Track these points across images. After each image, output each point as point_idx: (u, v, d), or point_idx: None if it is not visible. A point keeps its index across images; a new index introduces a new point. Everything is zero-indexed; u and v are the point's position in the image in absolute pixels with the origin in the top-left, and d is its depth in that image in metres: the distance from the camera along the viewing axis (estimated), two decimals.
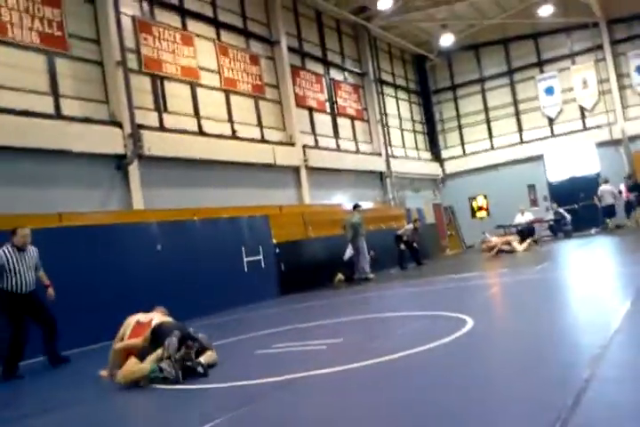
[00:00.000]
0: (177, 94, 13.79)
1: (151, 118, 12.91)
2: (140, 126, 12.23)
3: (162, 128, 13.07)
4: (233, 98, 15.42)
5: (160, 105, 13.27)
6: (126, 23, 12.61)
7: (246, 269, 11.61)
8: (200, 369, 5.01)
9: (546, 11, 20.78)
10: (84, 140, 11.09)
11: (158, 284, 9.22)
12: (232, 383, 4.66)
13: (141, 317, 5.64)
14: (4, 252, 6.70)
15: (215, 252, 10.92)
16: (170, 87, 13.63)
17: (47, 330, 6.87)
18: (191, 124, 13.92)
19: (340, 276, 14.03)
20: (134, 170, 11.96)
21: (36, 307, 6.82)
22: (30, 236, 6.85)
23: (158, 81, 13.37)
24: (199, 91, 14.39)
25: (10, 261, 6.67)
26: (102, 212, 10.90)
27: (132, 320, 5.61)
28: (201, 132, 14.06)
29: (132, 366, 5.06)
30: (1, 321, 6.63)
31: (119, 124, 11.93)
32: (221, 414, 3.78)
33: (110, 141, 11.68)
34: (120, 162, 11.84)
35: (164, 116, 13.28)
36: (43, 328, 6.88)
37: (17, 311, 6.67)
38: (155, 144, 12.35)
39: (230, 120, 15.18)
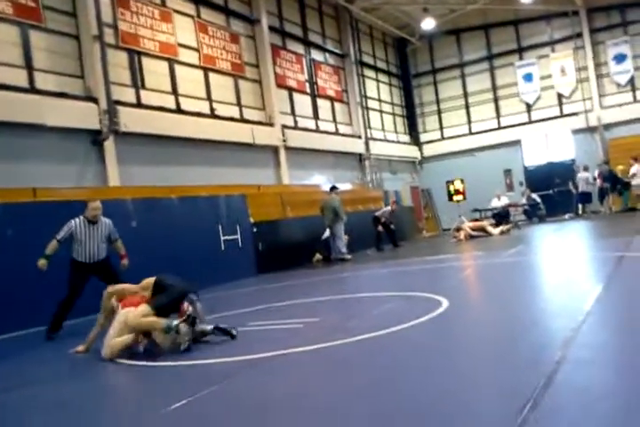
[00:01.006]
0: (155, 71, 13.55)
1: (128, 94, 12.68)
2: (117, 102, 12.01)
3: (139, 105, 12.85)
4: (212, 76, 15.22)
5: (137, 81, 13.04)
6: None
7: (223, 248, 11.59)
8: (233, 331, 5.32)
9: None
10: (59, 114, 10.87)
11: (133, 261, 9.13)
12: (206, 361, 4.67)
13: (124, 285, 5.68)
14: (75, 222, 7.03)
15: (192, 230, 10.86)
16: (147, 63, 13.38)
17: None
18: (169, 102, 13.71)
19: (318, 256, 14.09)
20: (110, 146, 11.78)
21: (106, 272, 7.23)
22: (101, 209, 7.13)
23: (136, 57, 13.11)
24: (177, 68, 14.15)
25: (79, 232, 7.00)
26: (77, 187, 10.74)
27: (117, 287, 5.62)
28: (179, 110, 13.86)
29: (146, 311, 5.02)
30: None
31: (95, 100, 11.71)
32: (194, 391, 3.77)
33: (85, 117, 11.46)
34: (96, 138, 11.64)
35: (142, 92, 13.05)
36: None
37: (78, 278, 7.06)
38: (131, 120, 12.15)
39: (209, 98, 14.99)
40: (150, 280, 5.44)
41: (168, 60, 13.92)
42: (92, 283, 7.15)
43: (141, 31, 13.20)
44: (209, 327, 5.36)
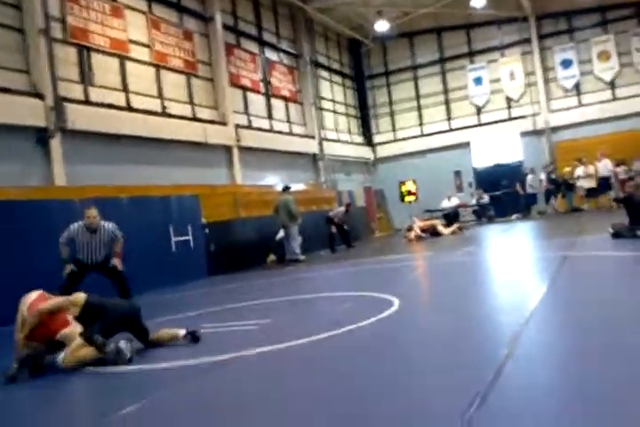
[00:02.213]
0: (104, 67, 13.23)
1: (76, 91, 12.35)
2: (64, 99, 11.69)
3: (87, 102, 12.54)
4: (164, 73, 14.96)
5: (86, 77, 12.70)
6: None
7: (174, 249, 11.39)
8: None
9: (478, 2, 21.20)
10: (1, 110, 10.46)
11: None
12: (156, 365, 4.58)
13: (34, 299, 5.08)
14: (73, 228, 7.07)
15: (142, 231, 10.61)
16: (97, 59, 13.06)
17: (118, 287, 7.36)
18: (119, 99, 13.41)
19: (272, 257, 14.00)
20: (57, 144, 11.43)
21: (109, 271, 7.34)
22: (96, 216, 7.12)
23: (85, 52, 12.77)
24: (128, 64, 13.86)
25: (78, 238, 7.07)
26: (21, 187, 10.36)
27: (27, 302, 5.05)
28: (129, 108, 13.58)
29: (82, 347, 4.68)
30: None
31: (41, 96, 11.34)
32: (146, 395, 3.70)
33: (31, 114, 11.08)
34: (41, 135, 11.28)
35: (90, 89, 12.73)
36: (115, 285, 7.39)
37: (76, 274, 7.11)
38: (79, 118, 11.83)
39: (160, 96, 14.73)
40: (80, 296, 5.08)
41: (118, 56, 13.62)
42: (99, 281, 7.30)
43: (91, 26, 12.87)
44: (181, 332, 5.21)
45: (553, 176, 19.40)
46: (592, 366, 3.21)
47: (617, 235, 9.11)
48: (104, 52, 13.22)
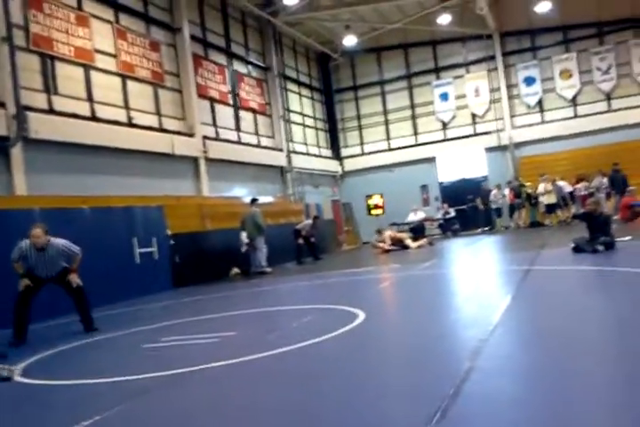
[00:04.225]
0: (69, 76, 13.04)
1: (39, 100, 12.13)
2: (26, 108, 11.47)
3: (51, 111, 12.32)
4: (130, 83, 14.81)
5: (50, 86, 12.49)
6: None
7: (138, 261, 11.20)
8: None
9: (444, 19, 21.65)
10: None
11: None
12: (112, 379, 4.46)
13: None
14: (23, 246, 6.84)
15: (105, 242, 10.41)
16: (61, 68, 12.86)
17: (75, 300, 7.16)
18: (83, 108, 13.22)
19: (235, 269, 13.86)
20: (18, 153, 11.19)
21: (63, 283, 7.10)
22: (40, 236, 6.81)
23: (48, 61, 12.58)
24: (93, 74, 13.69)
25: (28, 255, 6.85)
26: None
27: None
28: (94, 117, 13.39)
29: None
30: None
31: (2, 105, 11.11)
32: (102, 410, 3.58)
33: None
34: (2, 144, 11.02)
35: (54, 98, 12.52)
36: (72, 299, 7.18)
37: (31, 288, 6.89)
38: (42, 127, 11.63)
39: (126, 106, 14.57)
40: None
41: (83, 65, 13.44)
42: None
43: (55, 35, 12.68)
44: None
45: (528, 191, 19.65)
46: (553, 380, 3.22)
47: (577, 249, 9.32)
48: (69, 61, 13.04)
